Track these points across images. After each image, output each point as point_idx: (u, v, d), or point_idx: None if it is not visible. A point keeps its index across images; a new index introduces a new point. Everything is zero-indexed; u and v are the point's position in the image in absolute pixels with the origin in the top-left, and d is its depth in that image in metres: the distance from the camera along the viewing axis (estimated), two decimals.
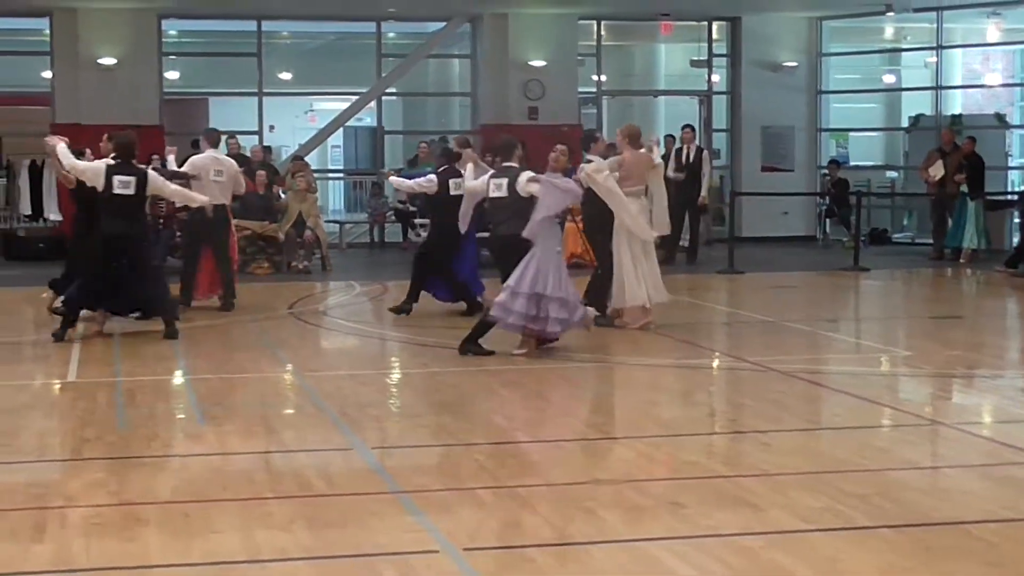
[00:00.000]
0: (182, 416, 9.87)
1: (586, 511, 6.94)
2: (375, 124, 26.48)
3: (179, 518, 6.79)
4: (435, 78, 29.59)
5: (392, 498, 7.18)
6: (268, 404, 10.37)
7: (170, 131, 23.43)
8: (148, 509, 6.97)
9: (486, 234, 20.82)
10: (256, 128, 24.99)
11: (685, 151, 21.94)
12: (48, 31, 24.25)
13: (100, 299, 13.30)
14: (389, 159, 25.95)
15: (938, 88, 25.99)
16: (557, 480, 7.68)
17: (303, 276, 19.85)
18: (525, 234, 11.85)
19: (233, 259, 15.99)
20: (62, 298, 13.70)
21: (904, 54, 28.81)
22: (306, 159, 23.71)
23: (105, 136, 14.76)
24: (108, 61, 23.73)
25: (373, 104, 25.99)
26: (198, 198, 14.20)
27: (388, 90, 26.22)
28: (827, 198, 25.45)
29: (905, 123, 27.15)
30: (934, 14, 25.38)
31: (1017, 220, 23.10)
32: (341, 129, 27.58)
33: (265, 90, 25.39)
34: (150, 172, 13.43)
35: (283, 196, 21.17)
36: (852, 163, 27.07)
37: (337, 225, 25.29)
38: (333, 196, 32.21)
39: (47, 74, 24.41)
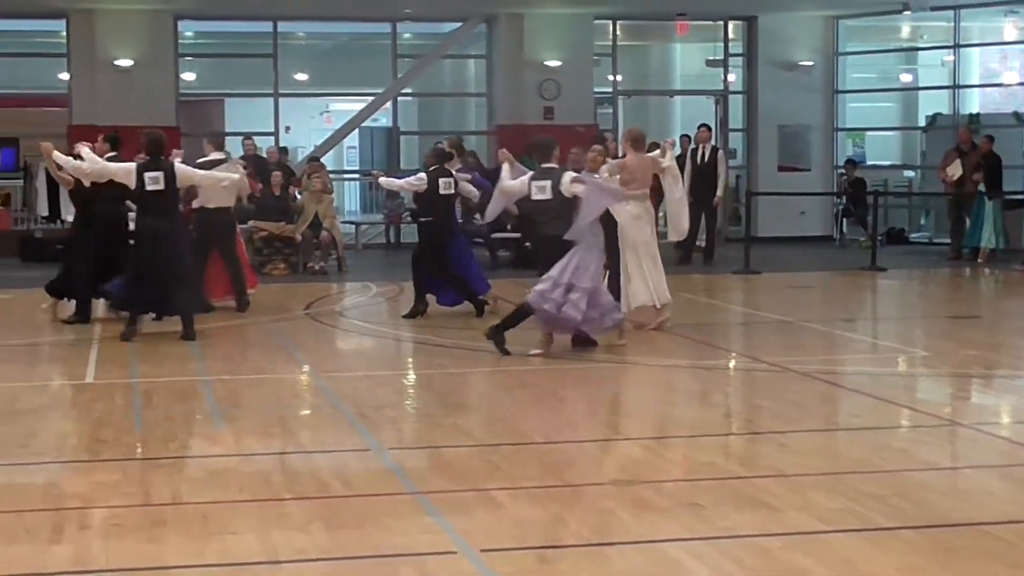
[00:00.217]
0: (199, 417, 9.87)
1: (603, 512, 6.94)
2: (391, 125, 26.49)
3: (197, 519, 6.79)
4: (451, 78, 29.60)
5: (409, 499, 7.18)
6: (285, 405, 10.38)
7: (186, 132, 23.45)
8: (166, 510, 6.98)
9: (502, 234, 21.02)
10: (272, 129, 25.01)
11: (700, 151, 21.92)
12: (65, 33, 24.32)
13: (146, 299, 13.36)
14: (405, 160, 25.95)
15: (955, 87, 25.93)
16: (574, 481, 7.66)
17: (319, 277, 19.87)
18: (570, 236, 11.90)
19: (242, 257, 15.97)
20: (108, 302, 13.85)
21: (921, 53, 28.73)
22: (322, 160, 23.73)
23: (100, 136, 14.80)
24: (125, 62, 23.79)
25: (389, 105, 26.01)
26: (229, 176, 14.21)
27: (404, 91, 26.25)
28: (844, 198, 25.41)
29: (922, 122, 27.11)
30: (951, 12, 25.33)
31: None
32: (357, 130, 27.59)
33: (281, 91, 25.42)
34: (177, 164, 13.46)
35: (299, 197, 21.18)
36: (869, 162, 27.01)
37: (353, 226, 25.32)
38: (349, 197, 32.25)
39: (64, 76, 24.48)
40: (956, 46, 25.92)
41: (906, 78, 28.93)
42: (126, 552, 6.27)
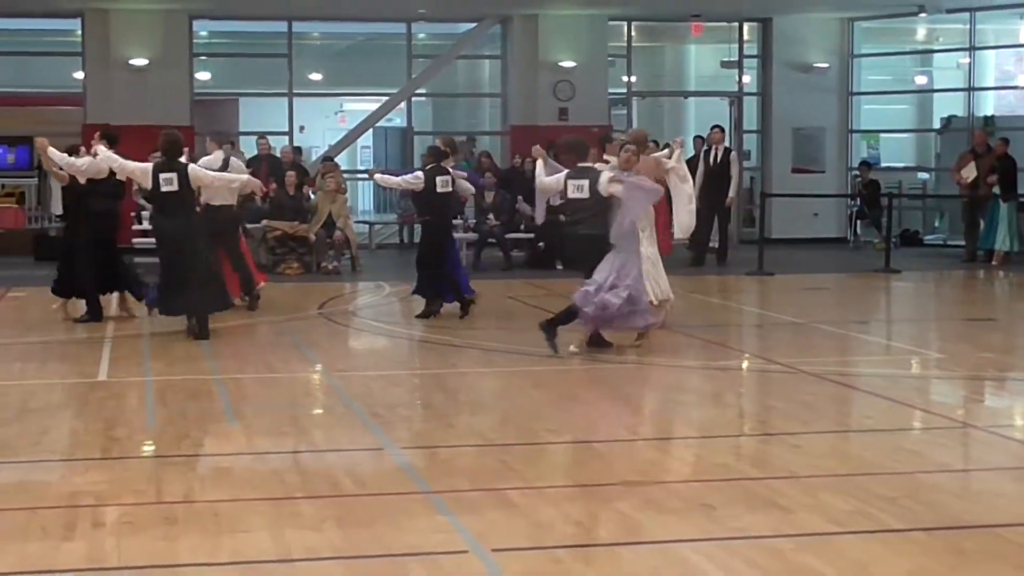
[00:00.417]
0: (212, 415, 9.88)
1: (615, 512, 6.93)
2: (405, 125, 26.51)
3: (209, 517, 6.80)
4: (465, 79, 29.60)
5: (422, 498, 7.18)
6: (298, 404, 10.40)
7: (200, 132, 23.48)
8: (178, 508, 6.99)
9: (516, 234, 21.02)
10: (286, 129, 25.05)
11: (713, 152, 21.90)
12: (80, 32, 24.37)
13: (177, 300, 13.40)
14: (418, 160, 25.94)
15: (970, 89, 25.87)
16: (586, 481, 7.66)
17: (333, 277, 19.90)
18: (613, 239, 12.00)
19: (245, 253, 15.97)
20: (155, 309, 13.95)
21: (936, 55, 28.69)
22: (336, 160, 23.75)
23: (97, 134, 14.83)
24: (139, 62, 23.83)
25: (403, 105, 26.02)
26: (239, 178, 14.23)
27: (418, 91, 26.26)
28: (858, 199, 25.37)
29: (937, 124, 27.06)
30: (967, 15, 25.27)
31: None
32: (371, 130, 27.60)
33: (295, 91, 25.45)
34: (190, 165, 13.48)
35: (313, 197, 21.21)
36: (883, 164, 26.97)
37: (367, 226, 25.35)
38: (363, 197, 32.27)
39: (79, 75, 24.54)
40: (971, 48, 25.85)
41: (921, 80, 28.89)
42: (139, 550, 6.28)
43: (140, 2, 23.76)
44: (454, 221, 21.77)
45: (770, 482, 7.52)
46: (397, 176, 15.83)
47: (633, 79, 26.67)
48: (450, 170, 15.18)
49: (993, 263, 21.64)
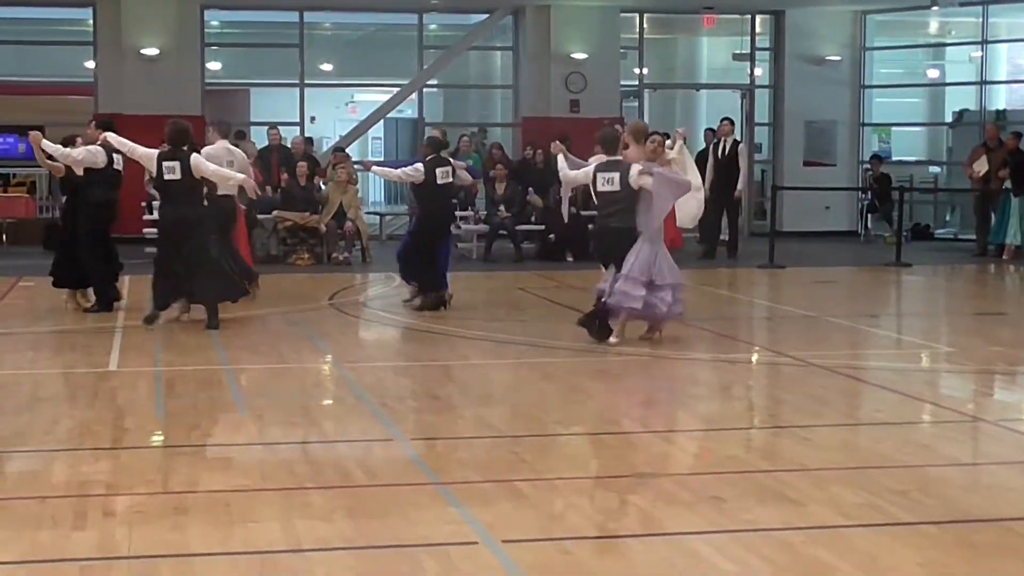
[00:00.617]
0: (223, 405, 9.89)
1: (625, 504, 6.94)
2: (416, 116, 26.51)
3: (220, 507, 6.81)
4: (476, 70, 29.59)
5: (432, 489, 7.18)
6: (308, 394, 10.41)
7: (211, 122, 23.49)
8: (189, 498, 7.00)
9: (527, 226, 21.01)
10: (297, 119, 25.09)
11: (721, 144, 21.87)
12: (91, 21, 24.41)
13: (180, 288, 13.42)
14: None
15: (983, 83, 25.84)
16: (596, 473, 7.67)
17: (344, 267, 19.92)
18: (647, 232, 12.09)
19: (243, 247, 15.94)
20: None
21: (948, 48, 28.63)
22: (347, 150, 23.74)
23: (92, 123, 14.82)
24: (151, 51, 23.85)
25: (414, 96, 26.02)
26: (236, 176, 14.19)
27: (429, 82, 26.25)
28: (869, 193, 25.34)
29: (949, 118, 27.01)
30: (979, 8, 25.25)
31: None
32: (382, 121, 27.61)
33: (307, 81, 25.47)
34: (194, 155, 13.46)
35: (324, 188, 21.23)
36: (895, 158, 26.92)
37: (377, 216, 25.35)
38: (374, 188, 32.28)
39: (90, 64, 24.57)
40: (984, 42, 25.82)
41: (933, 74, 28.83)
42: (150, 539, 6.29)
43: None
44: (464, 213, 21.88)
45: (780, 475, 7.52)
46: (396, 168, 15.83)
47: (645, 71, 26.65)
48: (451, 160, 15.18)
49: (1004, 257, 21.59)
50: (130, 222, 19.19)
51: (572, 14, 25.08)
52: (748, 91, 26.85)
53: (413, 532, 6.39)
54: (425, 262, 14.81)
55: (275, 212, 20.59)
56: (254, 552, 6.09)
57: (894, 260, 20.42)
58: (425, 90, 26.24)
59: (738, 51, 26.91)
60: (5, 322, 14.05)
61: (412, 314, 14.91)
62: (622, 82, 25.80)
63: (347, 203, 20.82)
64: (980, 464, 8.32)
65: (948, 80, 28.31)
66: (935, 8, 24.69)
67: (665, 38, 29.46)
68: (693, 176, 14.27)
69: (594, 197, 12.60)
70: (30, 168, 24.42)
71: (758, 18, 26.57)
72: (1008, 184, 21.83)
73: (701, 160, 21.97)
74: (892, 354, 12.72)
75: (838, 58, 26.35)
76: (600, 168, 12.43)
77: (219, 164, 14.62)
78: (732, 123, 22.52)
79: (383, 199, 32.53)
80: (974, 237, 23.12)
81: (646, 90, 27.00)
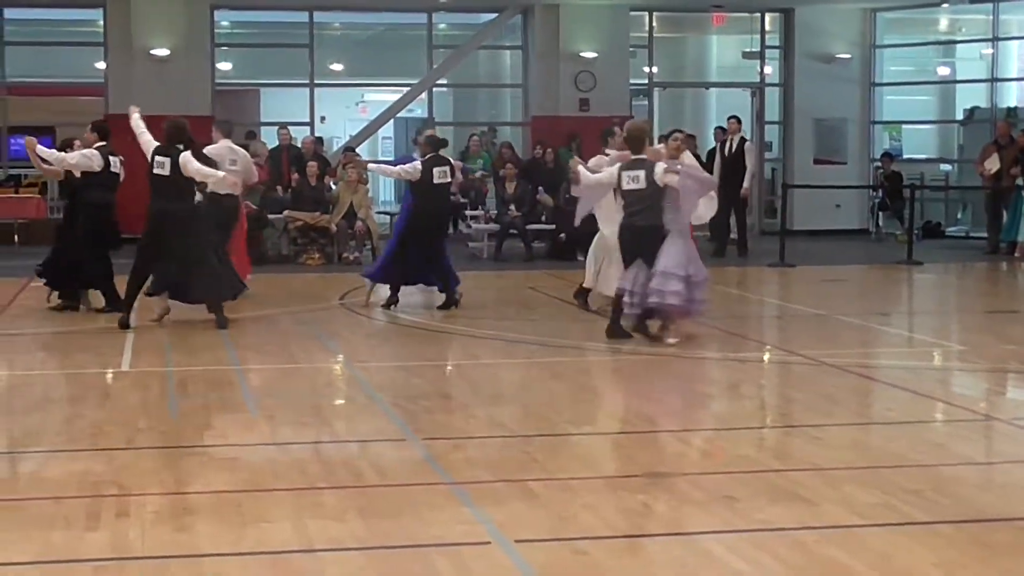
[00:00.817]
0: (234, 406, 9.90)
1: (638, 504, 6.92)
2: (426, 115, 26.50)
3: (232, 508, 6.81)
4: (486, 69, 29.56)
5: (444, 489, 7.18)
6: (320, 394, 10.42)
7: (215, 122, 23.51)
8: (201, 499, 7.00)
9: (538, 225, 20.98)
10: (308, 119, 25.09)
11: (729, 142, 21.86)
12: (102, 22, 24.42)
13: (168, 283, 13.45)
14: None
15: (993, 80, 25.78)
16: (608, 472, 7.66)
17: (354, 267, 19.89)
18: (676, 229, 12.19)
19: (240, 248, 15.91)
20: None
21: (959, 46, 28.57)
22: (357, 150, 23.75)
23: (89, 126, 14.86)
24: (161, 52, 23.85)
25: (424, 95, 26.01)
26: (216, 174, 14.09)
27: (439, 81, 26.24)
28: (880, 191, 25.29)
29: (960, 116, 26.96)
30: (990, 5, 25.19)
31: None
32: (392, 120, 27.60)
33: (317, 81, 25.48)
34: (183, 153, 13.45)
35: (334, 187, 21.24)
36: (906, 156, 26.86)
37: (388, 216, 25.31)
38: (384, 187, 32.25)
39: (100, 65, 24.58)
40: (995, 39, 25.75)
41: (944, 71, 28.76)
42: (162, 539, 6.29)
43: None
44: (474, 212, 21.89)
45: (793, 474, 7.50)
46: (394, 165, 15.81)
47: (654, 70, 26.62)
48: (451, 160, 15.16)
49: (1016, 255, 21.53)
50: (131, 222, 19.15)
51: (581, 13, 25.05)
52: (758, 89, 26.80)
53: (426, 532, 6.39)
54: (424, 261, 14.79)
55: (286, 212, 20.61)
56: (266, 552, 6.09)
57: (905, 258, 20.38)
58: (435, 89, 26.23)
59: (748, 49, 26.87)
60: (17, 323, 14.07)
61: (423, 314, 14.91)
62: (632, 81, 25.77)
63: (357, 203, 20.83)
64: (994, 463, 8.30)
65: (959, 77, 28.23)
66: (945, 5, 24.63)
67: (675, 36, 29.41)
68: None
69: (619, 196, 12.61)
70: None
71: (768, 16, 26.52)
72: (1020, 181, 21.79)
73: (711, 158, 22.00)
74: (904, 352, 12.70)
75: (848, 56, 26.31)
76: (625, 167, 12.45)
77: (221, 163, 14.70)
78: (739, 121, 22.49)
79: (393, 199, 32.50)
80: (986, 235, 23.07)
81: (656, 89, 26.95)
